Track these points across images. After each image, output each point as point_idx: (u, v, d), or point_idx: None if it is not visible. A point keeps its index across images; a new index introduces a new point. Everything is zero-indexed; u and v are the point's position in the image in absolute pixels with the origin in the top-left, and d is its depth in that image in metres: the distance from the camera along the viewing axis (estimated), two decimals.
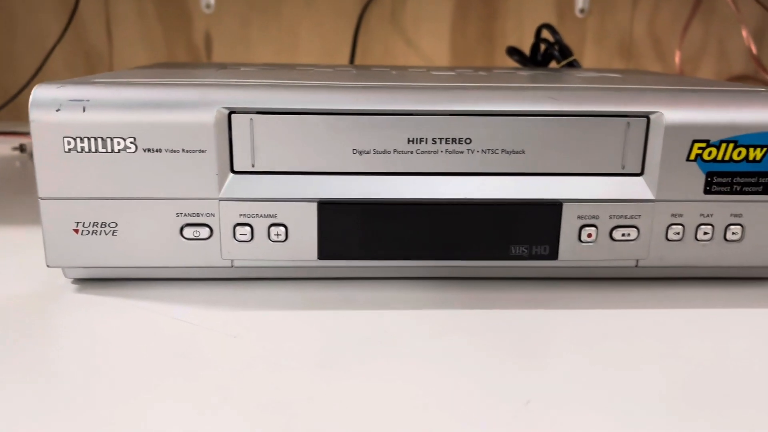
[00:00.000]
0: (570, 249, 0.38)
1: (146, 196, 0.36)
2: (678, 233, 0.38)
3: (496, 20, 0.85)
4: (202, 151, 0.35)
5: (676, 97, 0.37)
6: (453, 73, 0.49)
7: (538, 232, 0.37)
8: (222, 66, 0.54)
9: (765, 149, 0.37)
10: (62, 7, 0.83)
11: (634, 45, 0.86)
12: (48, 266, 0.36)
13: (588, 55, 0.86)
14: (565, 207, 0.37)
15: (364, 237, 0.37)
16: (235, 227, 0.36)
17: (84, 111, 0.34)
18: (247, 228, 0.36)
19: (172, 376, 0.29)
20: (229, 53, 0.85)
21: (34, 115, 0.34)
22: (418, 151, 0.36)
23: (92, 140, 0.35)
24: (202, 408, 0.27)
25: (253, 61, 0.85)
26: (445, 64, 0.86)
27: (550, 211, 0.37)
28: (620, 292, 0.39)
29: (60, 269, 0.39)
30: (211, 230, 0.36)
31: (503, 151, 0.37)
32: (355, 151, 0.36)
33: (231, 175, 0.36)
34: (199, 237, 0.36)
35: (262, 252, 0.37)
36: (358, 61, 0.85)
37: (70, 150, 0.35)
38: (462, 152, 0.36)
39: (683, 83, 0.43)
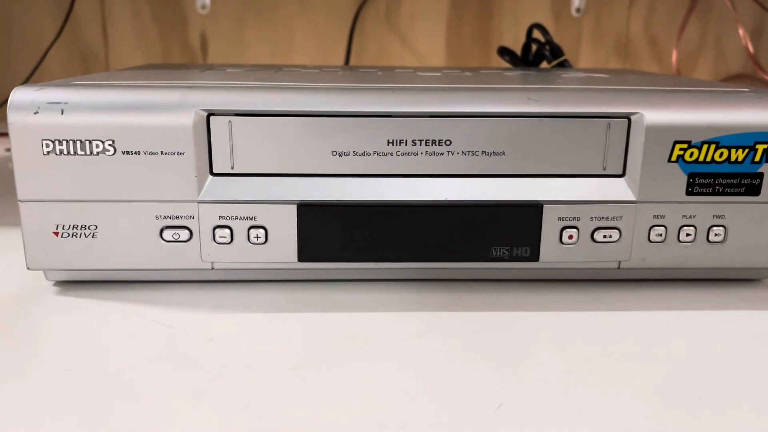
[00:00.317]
0: (551, 251, 0.37)
1: (125, 198, 0.36)
2: (660, 235, 0.37)
3: (491, 20, 0.85)
4: (181, 154, 0.35)
5: (658, 98, 0.36)
6: (439, 74, 0.49)
7: (519, 234, 0.37)
8: (209, 67, 0.54)
9: (747, 150, 0.36)
10: (58, 8, 0.83)
11: (631, 45, 0.86)
12: (28, 269, 0.36)
13: (584, 54, 0.86)
14: (546, 208, 0.37)
15: (344, 239, 0.37)
16: (214, 229, 0.36)
17: (62, 113, 0.34)
18: (227, 230, 0.36)
19: (148, 379, 0.29)
20: (224, 53, 0.85)
21: (12, 117, 0.34)
22: (398, 153, 0.36)
23: (71, 143, 0.35)
24: (178, 410, 0.27)
25: (249, 61, 0.85)
26: (440, 63, 0.86)
27: (530, 212, 0.37)
28: (602, 293, 0.39)
29: (42, 272, 0.39)
30: (191, 233, 0.36)
31: (483, 152, 0.36)
32: (334, 153, 0.36)
33: (210, 177, 0.36)
34: (179, 239, 0.36)
35: (241, 254, 0.37)
36: (353, 61, 0.85)
37: (48, 153, 0.35)
38: (442, 154, 0.36)
39: (667, 84, 0.42)
